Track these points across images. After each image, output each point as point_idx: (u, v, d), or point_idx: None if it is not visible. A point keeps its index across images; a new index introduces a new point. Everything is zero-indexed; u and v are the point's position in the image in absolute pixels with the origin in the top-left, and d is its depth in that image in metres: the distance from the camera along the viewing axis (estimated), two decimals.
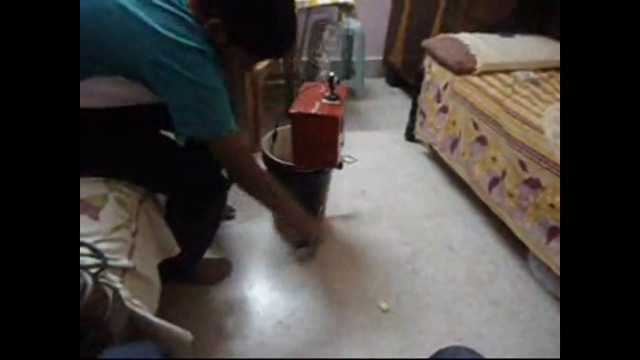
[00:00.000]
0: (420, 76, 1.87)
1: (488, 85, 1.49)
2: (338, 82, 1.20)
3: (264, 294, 1.23)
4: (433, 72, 1.77)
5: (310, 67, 2.39)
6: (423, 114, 1.86)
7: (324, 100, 1.16)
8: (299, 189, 1.11)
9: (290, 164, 1.22)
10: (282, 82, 2.11)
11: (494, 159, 1.41)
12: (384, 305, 1.21)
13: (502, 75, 1.56)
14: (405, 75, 2.41)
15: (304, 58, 2.40)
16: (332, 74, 1.18)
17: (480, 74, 1.56)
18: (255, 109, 1.74)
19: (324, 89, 1.23)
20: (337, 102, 1.16)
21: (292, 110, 1.09)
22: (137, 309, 0.69)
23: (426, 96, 1.82)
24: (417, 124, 1.91)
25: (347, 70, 2.45)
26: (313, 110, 1.10)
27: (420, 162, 1.90)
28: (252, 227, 1.47)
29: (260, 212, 1.52)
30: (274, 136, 1.32)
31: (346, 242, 1.44)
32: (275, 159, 1.24)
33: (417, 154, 1.96)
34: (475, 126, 1.50)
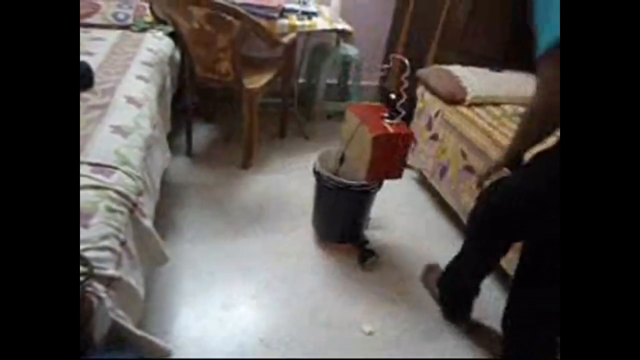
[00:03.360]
0: (412, 104, 1.93)
1: (477, 117, 1.54)
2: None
3: (246, 311, 1.23)
4: (425, 100, 1.83)
5: (306, 88, 2.45)
6: (414, 140, 1.90)
7: (388, 121, 1.27)
8: (359, 205, 1.39)
9: (357, 182, 1.32)
10: (277, 101, 2.15)
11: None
12: (367, 328, 1.21)
13: (490, 108, 1.62)
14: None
15: (301, 80, 2.45)
16: (393, 95, 1.30)
17: (469, 105, 1.62)
18: (250, 126, 1.77)
19: (375, 109, 1.34)
20: (398, 120, 1.28)
21: (374, 135, 1.20)
22: (119, 320, 0.69)
23: (418, 123, 1.88)
24: (409, 149, 1.95)
25: (343, 93, 2.52)
26: (391, 131, 1.23)
27: (410, 187, 1.94)
28: (242, 241, 1.47)
29: (257, 232, 1.52)
30: (342, 160, 1.40)
31: (333, 264, 1.45)
32: (345, 180, 1.34)
33: (407, 179, 1.99)
34: (464, 155, 1.54)
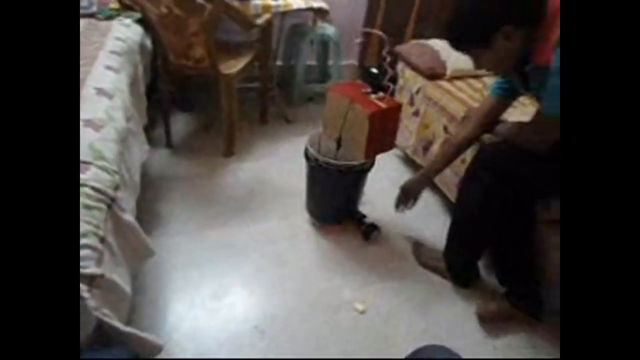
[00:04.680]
0: (393, 80, 1.91)
1: (458, 90, 1.54)
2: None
3: (238, 299, 1.22)
4: (406, 77, 1.81)
5: (286, 71, 2.40)
6: None
7: (374, 96, 1.28)
8: (357, 184, 1.42)
9: (357, 162, 1.33)
10: (256, 85, 2.10)
11: (463, 161, 1.45)
12: (360, 307, 1.22)
13: (471, 81, 1.61)
14: (380, 80, 2.45)
15: (279, 62, 2.40)
16: (374, 70, 1.31)
17: (450, 79, 1.61)
18: (230, 112, 1.72)
19: (356, 87, 1.33)
20: (381, 93, 1.30)
21: (369, 112, 1.20)
22: (105, 319, 0.67)
23: (400, 100, 1.86)
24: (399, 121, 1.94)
25: (323, 74, 2.48)
26: (384, 106, 1.24)
27: (395, 165, 1.94)
28: (230, 230, 1.45)
29: (244, 220, 1.51)
30: (339, 143, 1.37)
31: (321, 246, 1.45)
32: (345, 162, 1.33)
33: (391, 157, 1.99)
34: (446, 129, 1.54)
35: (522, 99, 1.46)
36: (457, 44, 0.95)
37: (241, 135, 1.95)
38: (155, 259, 1.25)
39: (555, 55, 0.80)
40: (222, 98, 1.67)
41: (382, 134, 1.30)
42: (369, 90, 1.30)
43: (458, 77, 1.61)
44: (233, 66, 1.67)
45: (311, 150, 1.37)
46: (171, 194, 1.58)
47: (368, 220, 1.49)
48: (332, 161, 1.33)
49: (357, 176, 1.39)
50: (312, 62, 2.43)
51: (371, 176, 1.44)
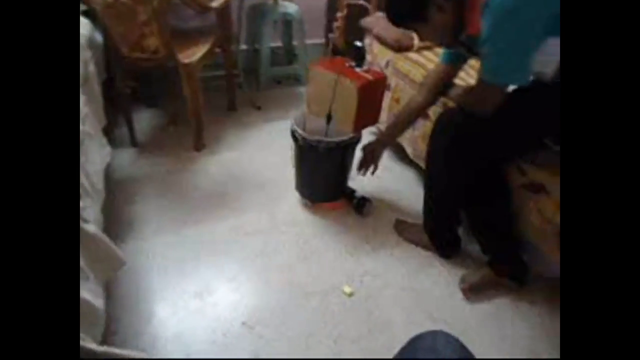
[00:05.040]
0: (360, 55, 1.86)
1: (427, 61, 1.51)
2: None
3: (223, 296, 1.19)
4: (374, 52, 1.76)
5: (250, 55, 2.31)
6: None
7: (359, 70, 1.26)
8: (347, 159, 1.42)
9: (347, 137, 1.32)
10: (220, 73, 2.01)
11: None
12: (347, 290, 1.22)
13: (439, 50, 1.58)
14: (348, 56, 2.39)
15: (243, 46, 2.30)
16: (359, 43, 1.30)
17: (418, 50, 1.58)
18: (195, 104, 1.64)
19: (339, 62, 1.31)
20: (366, 67, 1.29)
21: (359, 85, 1.19)
22: (80, 342, 0.63)
23: None
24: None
25: (289, 55, 2.40)
26: (371, 78, 1.23)
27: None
28: (208, 226, 1.40)
29: (221, 215, 1.46)
30: (329, 119, 1.33)
31: (302, 230, 1.42)
32: (336, 139, 1.31)
33: (365, 135, 1.96)
34: None
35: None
36: (397, 21, 1.02)
37: (210, 126, 1.87)
38: (132, 264, 1.21)
39: (483, 23, 0.85)
40: (184, 89, 1.58)
41: (369, 107, 1.30)
42: (352, 64, 1.28)
43: (426, 47, 1.58)
44: (193, 54, 1.58)
45: (299, 131, 1.33)
46: (141, 195, 1.51)
47: (358, 194, 1.49)
48: (322, 139, 1.30)
49: (346, 151, 1.38)
50: (277, 43, 2.34)
51: None
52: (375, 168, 1.40)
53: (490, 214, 1.18)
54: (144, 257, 1.27)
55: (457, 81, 1.22)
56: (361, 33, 1.85)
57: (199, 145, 1.75)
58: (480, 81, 0.96)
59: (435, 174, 1.19)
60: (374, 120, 1.38)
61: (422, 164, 1.53)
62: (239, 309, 1.15)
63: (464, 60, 1.18)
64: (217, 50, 1.81)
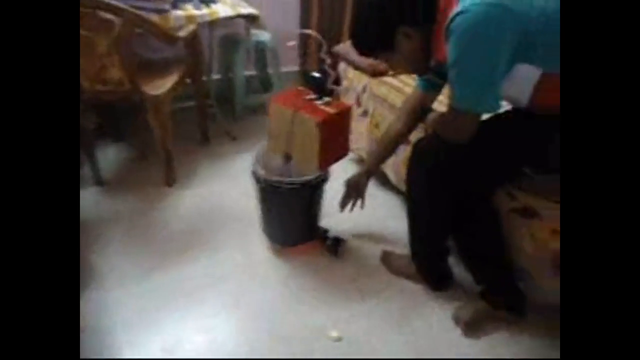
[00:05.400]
0: (319, 86, 1.81)
1: (404, 84, 1.47)
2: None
3: (196, 348, 1.06)
4: (349, 77, 1.73)
5: (224, 85, 2.25)
6: None
7: (319, 102, 1.17)
8: (316, 198, 1.31)
9: (312, 176, 1.22)
10: (193, 104, 1.93)
11: None
12: (334, 334, 1.11)
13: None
14: (324, 83, 2.36)
15: (216, 76, 2.24)
16: (317, 74, 1.22)
17: (394, 75, 1.55)
18: (164, 137, 1.55)
19: (298, 94, 1.22)
20: (329, 98, 1.20)
21: (318, 121, 1.10)
22: None
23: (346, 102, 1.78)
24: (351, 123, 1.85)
25: (265, 84, 2.35)
26: (332, 112, 1.13)
27: (349, 170, 1.84)
28: (179, 271, 1.28)
29: (193, 256, 1.34)
30: (287, 158, 1.24)
31: (282, 272, 1.32)
32: (298, 179, 1.22)
33: (345, 163, 1.90)
34: None
35: None
36: (365, 51, 1.00)
37: (182, 159, 1.78)
38: (93, 322, 1.07)
39: (448, 48, 0.82)
40: (152, 122, 1.49)
41: (334, 141, 1.20)
42: (313, 96, 1.19)
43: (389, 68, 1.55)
44: (160, 86, 1.50)
45: (259, 171, 1.23)
46: (106, 239, 1.38)
47: (331, 234, 1.38)
48: (284, 179, 1.21)
49: (313, 191, 1.27)
50: (252, 72, 2.30)
51: (328, 186, 1.33)
52: (363, 202, 1.34)
53: (478, 241, 1.11)
54: (106, 310, 1.14)
55: (436, 105, 1.18)
56: (335, 59, 1.82)
57: (170, 180, 1.64)
58: (451, 109, 0.91)
59: (417, 204, 1.12)
60: (343, 153, 1.29)
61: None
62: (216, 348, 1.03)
63: (440, 88, 1.14)
64: (188, 80, 1.74)
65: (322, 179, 1.27)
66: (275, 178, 1.21)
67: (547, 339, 1.11)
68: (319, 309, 1.19)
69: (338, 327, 1.13)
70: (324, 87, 1.20)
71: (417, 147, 1.07)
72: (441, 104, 1.23)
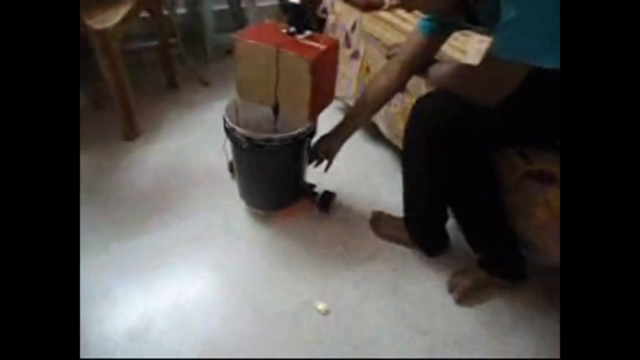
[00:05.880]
0: (299, 15, 1.56)
1: (401, 21, 1.26)
2: None
3: (172, 327, 0.95)
4: (337, 12, 1.49)
5: (191, 21, 1.95)
6: None
7: (301, 37, 0.95)
8: (303, 153, 1.12)
9: (303, 128, 1.03)
10: (154, 43, 1.66)
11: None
12: (321, 307, 1.01)
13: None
14: (305, 13, 2.09)
15: (181, 10, 1.94)
16: (295, 0, 0.93)
17: (390, 8, 1.33)
18: (117, 81, 1.31)
19: (272, 29, 0.98)
20: (309, 31, 0.97)
21: (310, 60, 0.88)
22: None
23: None
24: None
25: (238, 19, 2.06)
26: (322, 47, 0.92)
27: (336, 120, 1.67)
28: (146, 238, 1.13)
29: (162, 221, 1.18)
30: (276, 111, 1.01)
31: (262, 237, 1.19)
32: (289, 133, 1.02)
33: (331, 111, 1.71)
34: None
35: None
36: None
37: (145, 109, 1.55)
38: None
39: None
40: (100, 64, 1.25)
41: (325, 84, 1.00)
42: (291, 29, 0.96)
43: (399, 5, 1.33)
44: (108, 19, 1.23)
45: (238, 129, 1.02)
46: None
47: (320, 189, 1.25)
48: (273, 136, 1.01)
49: (301, 145, 1.08)
50: (222, 5, 1.99)
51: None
52: (329, 164, 1.17)
53: (478, 208, 0.99)
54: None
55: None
56: None
57: (131, 133, 1.44)
58: (491, 61, 0.72)
59: (414, 167, 0.98)
60: (330, 99, 1.08)
61: (401, 145, 1.32)
62: (190, 343, 0.92)
63: (449, 32, 0.93)
64: (146, 14, 1.46)
65: (312, 130, 1.09)
66: (261, 135, 1.00)
67: (544, 305, 1.05)
68: (305, 279, 1.08)
69: (326, 299, 1.03)
70: (303, 18, 0.97)
71: (420, 107, 0.89)
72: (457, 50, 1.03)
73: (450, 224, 1.12)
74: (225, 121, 1.04)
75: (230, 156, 1.16)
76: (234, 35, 0.94)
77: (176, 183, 1.32)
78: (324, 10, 0.99)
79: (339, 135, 1.11)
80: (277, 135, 1.01)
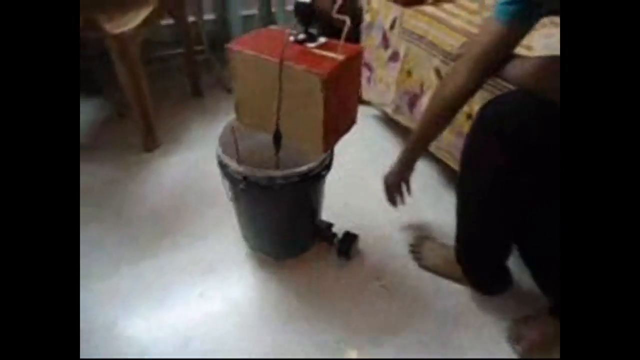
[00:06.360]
0: (308, 16, 1.40)
1: (450, 15, 1.09)
2: None
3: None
4: (374, 8, 1.34)
5: (219, 26, 1.87)
6: (368, 66, 1.43)
7: (313, 45, 0.73)
8: (317, 190, 0.93)
9: (315, 162, 0.83)
10: (179, 51, 1.59)
11: (469, 115, 1.04)
12: (353, 355, 0.84)
13: (463, 1, 1.17)
14: (339, 22, 1.96)
15: (209, 16, 1.86)
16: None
17: (435, 2, 1.16)
18: (137, 91, 1.23)
19: (273, 35, 0.77)
20: (323, 39, 0.75)
21: (323, 75, 0.66)
22: None
23: (369, 43, 1.39)
24: (363, 80, 1.48)
25: (267, 24, 1.96)
26: (339, 59, 0.69)
27: (370, 130, 1.50)
28: (155, 261, 1.02)
29: (174, 242, 1.07)
30: (277, 139, 0.78)
31: (287, 278, 1.03)
32: (294, 169, 0.81)
33: (364, 119, 1.55)
34: (438, 73, 1.11)
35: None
36: None
37: (167, 118, 1.47)
38: None
39: None
40: (117, 71, 1.17)
41: (341, 105, 0.75)
42: (301, 36, 0.73)
43: None
44: (126, 22, 1.15)
45: (232, 164, 0.81)
46: None
47: (337, 229, 1.02)
48: (275, 173, 0.80)
49: (316, 181, 0.86)
50: (253, 11, 1.90)
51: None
52: (409, 191, 1.07)
53: (553, 239, 0.78)
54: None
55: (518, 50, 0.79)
56: None
57: (150, 144, 1.34)
58: None
59: (477, 184, 0.78)
60: (351, 122, 0.83)
61: (451, 162, 1.13)
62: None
63: (535, 19, 0.71)
64: (168, 20, 1.38)
65: (327, 164, 0.87)
66: (262, 173, 0.80)
67: None
68: (332, 323, 0.91)
69: (358, 346, 0.85)
70: (311, 18, 0.72)
71: (493, 109, 0.71)
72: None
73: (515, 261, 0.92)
74: (217, 151, 0.85)
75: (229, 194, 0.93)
76: (228, 45, 0.75)
77: (192, 200, 1.20)
78: (341, 9, 0.75)
79: (406, 164, 0.99)
80: (279, 173, 0.79)
